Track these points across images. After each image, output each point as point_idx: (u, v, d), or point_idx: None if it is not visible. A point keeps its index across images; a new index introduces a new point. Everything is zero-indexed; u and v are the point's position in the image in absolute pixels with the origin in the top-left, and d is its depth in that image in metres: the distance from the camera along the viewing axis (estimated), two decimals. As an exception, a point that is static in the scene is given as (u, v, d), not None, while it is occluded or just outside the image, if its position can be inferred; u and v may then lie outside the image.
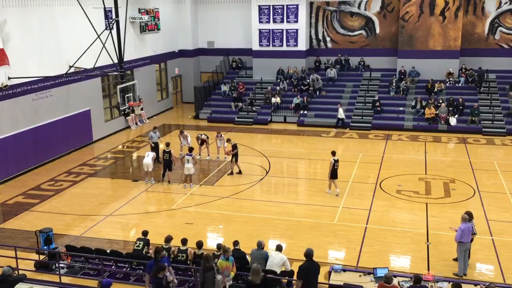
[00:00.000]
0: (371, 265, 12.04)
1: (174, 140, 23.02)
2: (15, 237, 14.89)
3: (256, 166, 21.01)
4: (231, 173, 19.95)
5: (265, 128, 27.71)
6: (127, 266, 12.58)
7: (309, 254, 10.13)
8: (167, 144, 19.11)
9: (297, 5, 30.26)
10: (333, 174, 17.49)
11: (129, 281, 12.31)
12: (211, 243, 14.08)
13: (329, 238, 14.48)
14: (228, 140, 20.73)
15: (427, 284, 10.44)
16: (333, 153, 17.66)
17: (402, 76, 29.33)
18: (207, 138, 21.84)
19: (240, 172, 19.91)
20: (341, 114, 26.82)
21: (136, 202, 17.54)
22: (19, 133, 20.11)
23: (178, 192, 18.29)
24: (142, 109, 28.60)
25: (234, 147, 20.03)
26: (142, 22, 28.54)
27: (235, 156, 19.95)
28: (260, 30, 31.05)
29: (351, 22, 31.04)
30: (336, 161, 17.41)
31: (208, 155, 21.89)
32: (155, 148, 21.24)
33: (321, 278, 11.95)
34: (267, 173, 20.20)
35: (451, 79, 28.81)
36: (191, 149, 19.03)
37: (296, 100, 28.58)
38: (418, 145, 23.88)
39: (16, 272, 10.78)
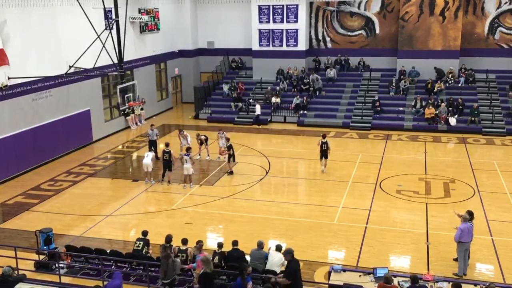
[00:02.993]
0: (371, 265, 12.03)
1: (174, 140, 23.02)
2: (15, 237, 14.89)
3: (256, 166, 21.01)
4: (231, 172, 19.97)
5: (265, 128, 27.70)
6: (127, 266, 12.59)
7: (291, 253, 10.58)
8: (167, 144, 19.09)
9: (297, 5, 30.25)
10: (322, 154, 19.66)
11: (129, 281, 12.29)
12: (210, 243, 14.08)
13: (329, 238, 14.48)
14: (227, 139, 20.78)
15: (427, 284, 10.44)
16: (323, 136, 19.81)
17: (402, 76, 29.33)
18: (207, 138, 21.82)
19: (231, 172, 19.92)
20: (258, 110, 28.02)
21: (136, 202, 17.54)
22: (19, 133, 20.10)
23: (178, 192, 18.28)
24: (142, 109, 28.60)
25: (229, 147, 20.07)
26: (142, 22, 28.54)
27: (231, 156, 20.08)
28: (260, 30, 31.05)
29: (351, 22, 31.03)
30: (324, 142, 19.50)
31: (208, 155, 21.88)
32: (152, 145, 21.27)
33: (321, 278, 12.03)
34: (267, 173, 20.20)
35: (451, 79, 28.79)
36: (188, 149, 19.04)
37: (296, 100, 28.58)
38: (418, 145, 23.87)
39: (16, 272, 10.79)
